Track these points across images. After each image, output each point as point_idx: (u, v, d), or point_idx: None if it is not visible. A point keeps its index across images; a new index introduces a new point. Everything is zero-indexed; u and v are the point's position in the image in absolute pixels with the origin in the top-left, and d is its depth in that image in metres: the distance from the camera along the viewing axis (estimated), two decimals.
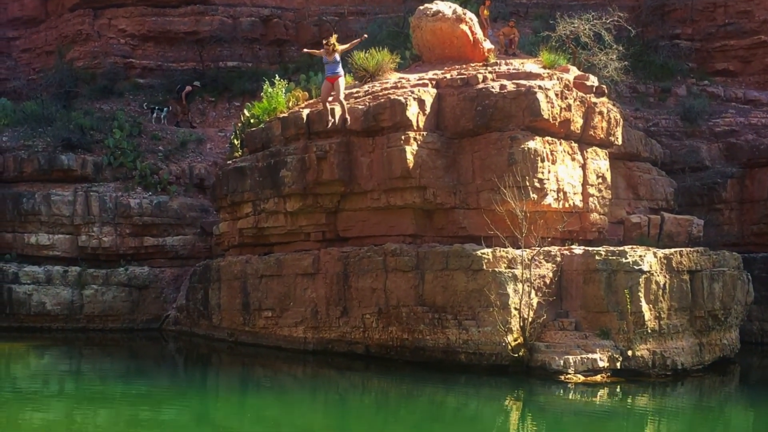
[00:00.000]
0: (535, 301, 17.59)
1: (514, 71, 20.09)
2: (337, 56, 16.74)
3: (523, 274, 17.49)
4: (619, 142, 21.45)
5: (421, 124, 19.16)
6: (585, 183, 20.29)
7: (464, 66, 20.92)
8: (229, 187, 22.76)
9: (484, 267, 17.62)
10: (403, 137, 18.85)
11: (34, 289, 26.17)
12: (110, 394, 15.68)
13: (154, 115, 31.65)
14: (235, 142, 24.47)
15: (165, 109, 32.05)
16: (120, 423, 13.23)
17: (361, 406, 14.94)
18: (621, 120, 21.47)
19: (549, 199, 19.13)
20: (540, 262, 18.04)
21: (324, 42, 17.33)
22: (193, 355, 23.25)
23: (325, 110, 18.11)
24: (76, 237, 27.08)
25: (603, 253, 17.86)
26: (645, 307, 17.36)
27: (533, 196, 18.61)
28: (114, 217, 27.04)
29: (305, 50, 19.73)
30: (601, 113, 20.52)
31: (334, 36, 17.67)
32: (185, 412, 14.16)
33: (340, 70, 16.91)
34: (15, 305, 26.03)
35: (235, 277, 22.70)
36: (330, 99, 18.80)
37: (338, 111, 18.11)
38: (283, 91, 23.18)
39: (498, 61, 21.17)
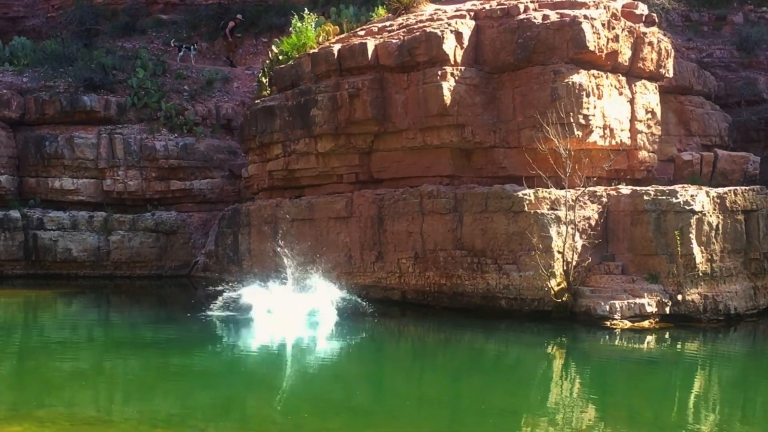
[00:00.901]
0: (579, 244, 17.52)
1: (557, 0, 19.73)
2: None
3: (566, 215, 17.40)
4: (670, 74, 21.08)
5: (459, 59, 18.95)
6: (633, 119, 20.02)
7: None
8: (258, 127, 22.79)
9: (526, 208, 17.55)
10: (439, 73, 18.67)
11: (59, 235, 26.59)
12: (140, 342, 15.96)
13: (182, 53, 31.65)
14: (263, 80, 24.42)
15: (192, 46, 32.03)
16: (150, 370, 13.49)
17: (398, 353, 15.08)
18: (672, 51, 21.06)
19: (594, 137, 18.93)
20: (585, 203, 17.93)
21: None
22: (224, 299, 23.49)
23: None
24: (101, 181, 27.39)
25: (652, 192, 17.69)
26: (696, 249, 17.23)
27: (578, 133, 18.41)
28: (139, 161, 27.29)
29: None
30: (650, 44, 20.13)
31: None
32: (216, 360, 14.39)
33: None
34: (40, 252, 26.52)
35: (265, 222, 22.85)
36: None
37: None
38: (313, 26, 23.03)
39: None
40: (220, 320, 17.60)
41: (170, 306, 22.11)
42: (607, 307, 16.76)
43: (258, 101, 23.54)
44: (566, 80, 18.36)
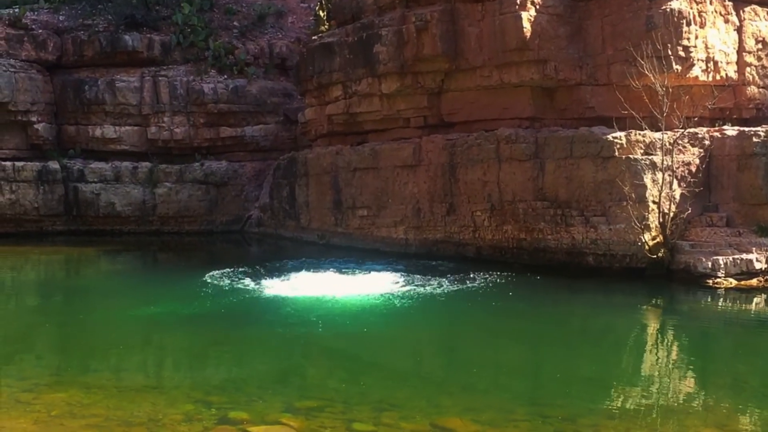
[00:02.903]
0: (677, 192, 17.28)
1: None
2: None
3: (663, 161, 17.14)
4: None
5: None
6: (741, 50, 19.57)
7: None
8: (315, 67, 22.82)
9: (617, 153, 17.34)
10: (518, 1, 18.43)
11: (101, 188, 27.15)
12: (189, 306, 16.16)
13: None
14: (321, 13, 24.42)
15: None
16: (202, 336, 13.71)
17: (473, 317, 15.08)
18: None
19: (696, 71, 18.56)
20: (684, 147, 17.66)
21: None
22: (281, 259, 23.76)
23: None
24: (145, 129, 27.82)
25: (762, 134, 17.36)
26: None
27: (677, 67, 18.07)
28: (186, 105, 27.61)
29: None
30: None
31: None
32: (272, 327, 14.54)
33: None
34: (82, 206, 27.13)
35: (324, 171, 22.98)
36: None
37: None
38: None
39: None
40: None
41: (223, 263, 22.37)
42: (710, 264, 16.54)
43: (315, 38, 23.55)
44: (663, 7, 17.97)
